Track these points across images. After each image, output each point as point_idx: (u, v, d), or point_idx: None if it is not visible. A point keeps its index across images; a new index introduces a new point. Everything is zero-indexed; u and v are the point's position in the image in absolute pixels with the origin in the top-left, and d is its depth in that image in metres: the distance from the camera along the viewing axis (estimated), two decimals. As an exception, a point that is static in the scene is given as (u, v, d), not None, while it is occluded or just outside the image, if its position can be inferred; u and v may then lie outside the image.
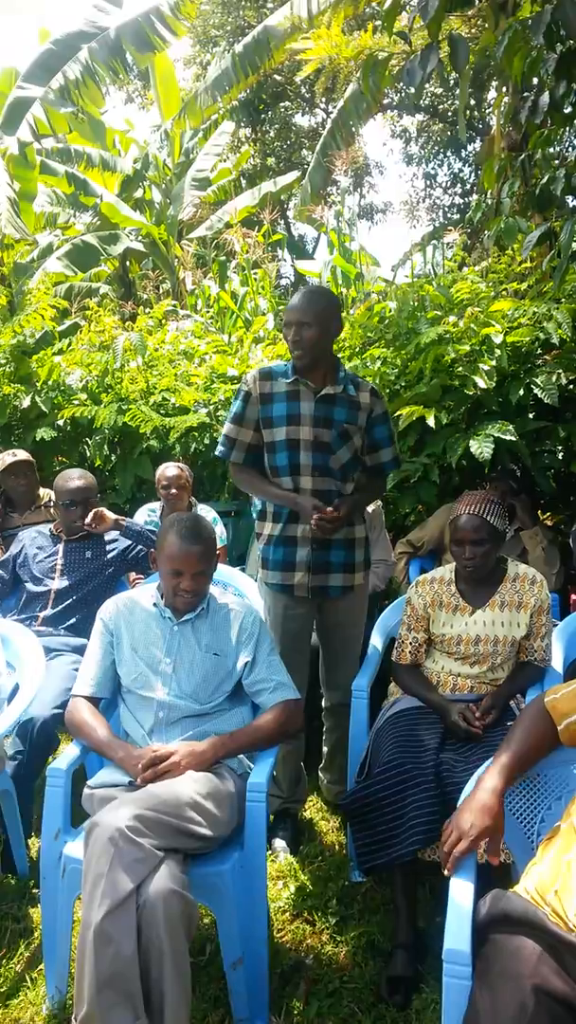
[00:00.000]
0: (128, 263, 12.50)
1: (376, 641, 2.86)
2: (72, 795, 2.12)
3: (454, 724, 2.32)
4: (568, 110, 2.86)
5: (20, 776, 2.59)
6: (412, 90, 2.82)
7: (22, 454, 3.89)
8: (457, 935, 1.46)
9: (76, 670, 2.53)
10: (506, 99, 5.69)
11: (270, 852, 2.69)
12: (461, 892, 1.54)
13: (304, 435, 2.61)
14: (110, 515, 3.24)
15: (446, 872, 1.59)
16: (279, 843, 2.74)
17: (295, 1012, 2.03)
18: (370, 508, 3.07)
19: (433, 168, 17.54)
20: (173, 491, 3.72)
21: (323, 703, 2.96)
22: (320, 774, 3.06)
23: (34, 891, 2.47)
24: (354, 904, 2.46)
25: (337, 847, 2.79)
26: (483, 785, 1.66)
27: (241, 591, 3.01)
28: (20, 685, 2.54)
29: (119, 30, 7.92)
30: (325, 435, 2.62)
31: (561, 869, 1.46)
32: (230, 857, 1.96)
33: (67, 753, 2.16)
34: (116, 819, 1.72)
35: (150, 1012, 1.62)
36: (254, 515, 2.84)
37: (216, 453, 2.80)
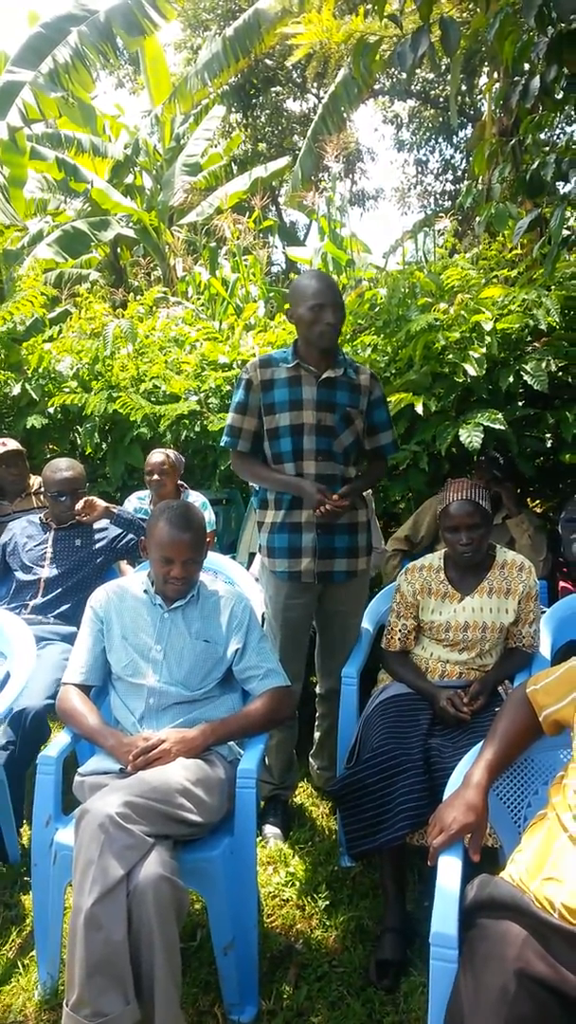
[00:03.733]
0: (119, 250, 12.41)
1: (366, 628, 2.87)
2: (63, 783, 2.13)
3: (443, 710, 2.34)
4: (559, 95, 2.84)
5: (11, 765, 2.60)
6: (404, 75, 2.80)
7: (11, 444, 3.87)
8: (444, 919, 1.47)
9: (66, 659, 2.53)
10: (497, 84, 5.67)
11: (260, 838, 2.71)
12: (448, 877, 1.56)
13: (307, 419, 2.61)
14: (100, 503, 3.24)
15: (429, 863, 1.62)
16: (269, 829, 2.76)
17: (285, 996, 2.05)
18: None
19: (424, 154, 17.48)
20: (156, 477, 3.72)
21: (316, 690, 2.98)
22: (310, 760, 3.08)
23: (25, 878, 2.48)
24: (343, 889, 2.48)
25: (327, 832, 2.80)
26: (468, 781, 1.68)
27: (232, 579, 3.01)
28: (11, 673, 2.54)
29: (109, 13, 7.83)
30: (328, 419, 2.62)
31: (549, 857, 1.47)
32: (220, 843, 1.97)
33: (58, 741, 2.17)
34: (106, 806, 1.73)
35: (140, 997, 1.63)
36: (255, 504, 2.84)
37: (222, 443, 2.79)
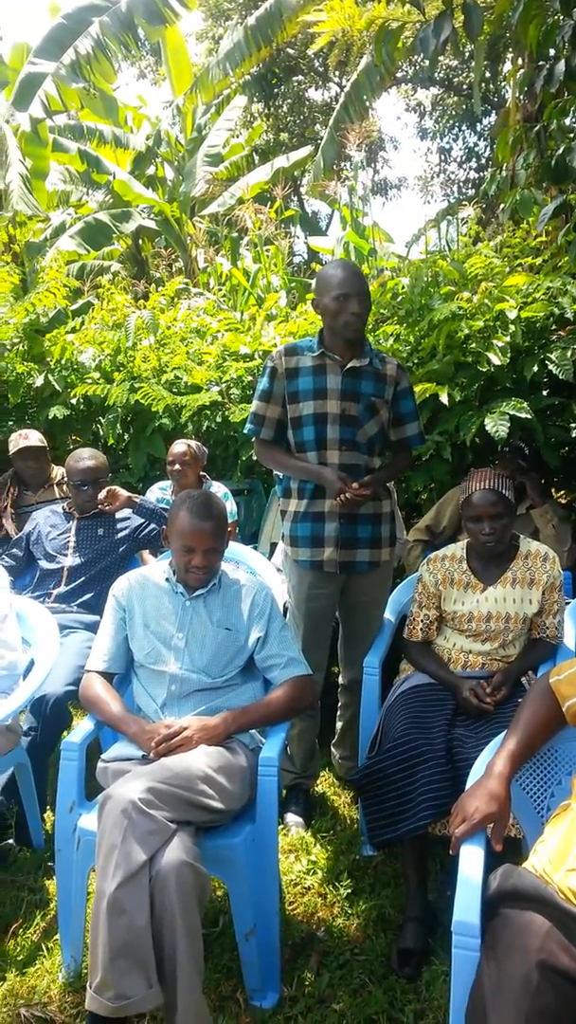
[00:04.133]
0: (140, 241, 12.44)
1: (388, 618, 2.86)
2: (86, 769, 2.14)
3: (465, 701, 2.33)
4: (585, 80, 2.80)
5: (34, 751, 2.63)
6: (426, 62, 2.78)
7: (33, 438, 3.85)
8: (466, 907, 1.47)
9: (89, 647, 2.55)
10: (521, 70, 5.60)
11: (282, 826, 2.72)
12: (470, 865, 1.55)
13: (331, 409, 2.60)
14: (123, 493, 3.26)
15: (451, 853, 1.62)
16: (291, 817, 2.77)
17: (306, 983, 2.06)
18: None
19: (448, 143, 17.33)
20: (177, 467, 3.73)
21: (339, 680, 2.98)
22: (332, 750, 3.08)
23: (49, 863, 2.51)
24: (365, 877, 2.48)
25: (349, 821, 2.81)
26: (491, 771, 1.67)
27: (253, 569, 3.01)
28: (35, 661, 2.57)
29: (130, 3, 7.82)
30: (352, 408, 2.61)
31: (572, 848, 1.46)
32: (242, 830, 1.98)
33: (81, 727, 2.18)
34: (129, 791, 1.74)
35: (163, 981, 1.64)
36: (279, 493, 2.84)
37: (245, 430, 2.82)
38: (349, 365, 2.61)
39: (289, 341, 3.91)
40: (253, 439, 2.82)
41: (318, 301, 2.63)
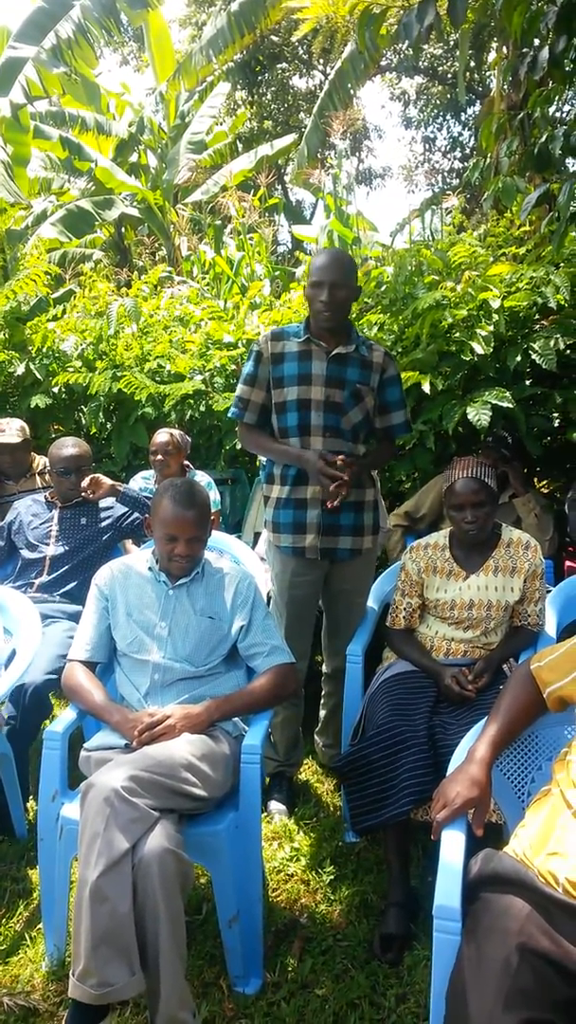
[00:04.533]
0: (123, 229, 12.35)
1: (371, 606, 2.87)
2: (69, 758, 2.14)
3: (447, 688, 2.34)
4: (569, 67, 2.79)
5: (15, 740, 2.62)
6: (410, 50, 2.76)
7: (12, 430, 3.76)
8: (447, 892, 1.48)
9: (71, 637, 2.54)
10: (505, 59, 5.59)
11: (265, 814, 2.72)
12: (452, 850, 1.56)
13: (315, 395, 2.60)
14: (106, 481, 3.24)
15: (433, 838, 1.63)
16: (275, 805, 2.77)
17: (289, 969, 2.07)
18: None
19: (432, 132, 17.31)
20: (160, 457, 3.72)
21: (323, 668, 2.98)
22: (316, 737, 3.09)
23: (32, 852, 2.49)
24: (348, 864, 2.50)
25: (332, 808, 2.82)
26: (472, 757, 1.68)
27: (237, 558, 3.01)
28: (16, 651, 2.55)
29: (111, -13, 7.71)
30: (337, 395, 2.61)
31: (553, 832, 1.48)
32: (225, 817, 1.98)
33: (64, 717, 2.18)
34: (111, 780, 1.74)
35: (146, 968, 1.65)
36: (262, 478, 2.84)
37: (229, 414, 2.82)
38: (335, 352, 2.60)
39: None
40: (236, 424, 2.82)
41: (305, 288, 2.65)
